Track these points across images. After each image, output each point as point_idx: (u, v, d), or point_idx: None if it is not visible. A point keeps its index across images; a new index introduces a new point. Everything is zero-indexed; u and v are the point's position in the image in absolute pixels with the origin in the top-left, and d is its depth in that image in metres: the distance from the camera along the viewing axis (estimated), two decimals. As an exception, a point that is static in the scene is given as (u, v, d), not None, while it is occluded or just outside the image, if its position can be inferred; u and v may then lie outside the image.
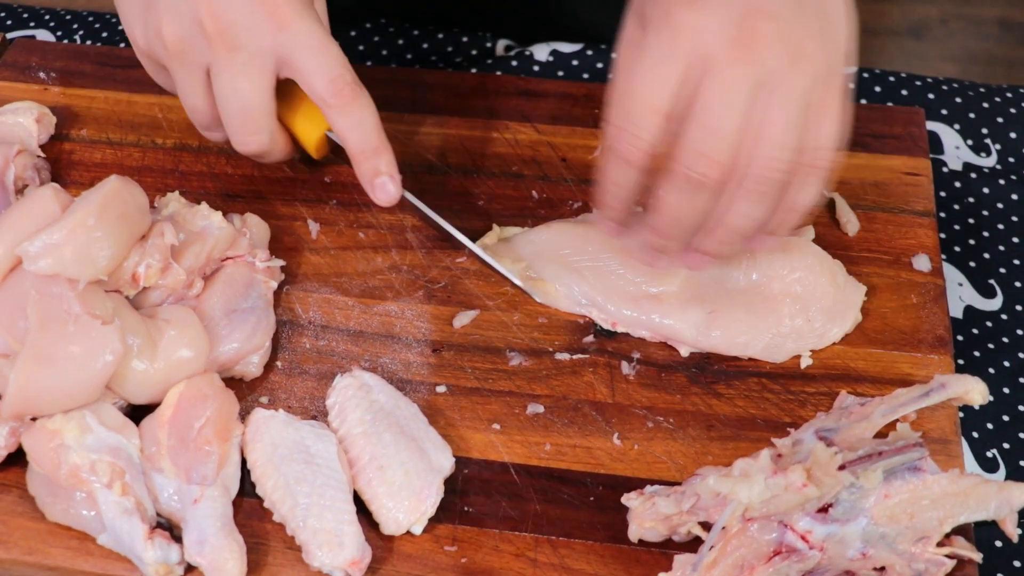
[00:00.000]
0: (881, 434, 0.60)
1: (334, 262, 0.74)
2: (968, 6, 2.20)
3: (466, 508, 0.63)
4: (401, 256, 0.74)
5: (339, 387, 0.66)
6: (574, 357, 0.69)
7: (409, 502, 0.61)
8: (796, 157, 0.59)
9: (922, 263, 0.72)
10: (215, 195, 0.78)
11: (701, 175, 0.58)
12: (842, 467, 0.56)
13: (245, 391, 0.68)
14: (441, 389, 0.68)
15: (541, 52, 0.92)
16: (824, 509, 0.57)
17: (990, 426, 0.72)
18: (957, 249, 0.80)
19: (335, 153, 0.74)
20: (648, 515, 0.59)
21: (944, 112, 0.87)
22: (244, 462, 0.64)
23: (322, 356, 0.70)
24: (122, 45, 0.93)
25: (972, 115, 0.87)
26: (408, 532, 0.62)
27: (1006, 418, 0.72)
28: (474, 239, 0.74)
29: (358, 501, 0.62)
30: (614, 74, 0.62)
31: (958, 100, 0.88)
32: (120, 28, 0.96)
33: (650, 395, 0.67)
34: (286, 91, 0.70)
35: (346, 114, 0.68)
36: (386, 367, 0.69)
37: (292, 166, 0.79)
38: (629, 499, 0.61)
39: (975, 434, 0.72)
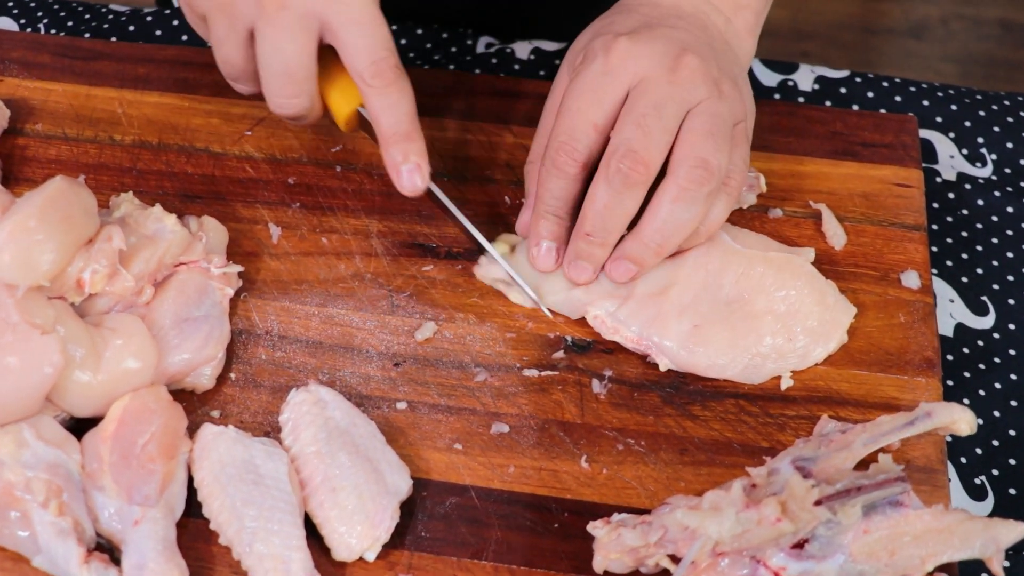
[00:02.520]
0: (863, 463, 0.57)
1: (295, 268, 0.71)
2: (969, 6, 2.16)
3: (423, 533, 0.60)
4: (365, 263, 0.71)
5: (293, 403, 0.63)
6: (543, 374, 0.66)
7: (362, 527, 0.58)
8: (724, 165, 0.63)
9: (911, 280, 0.69)
10: (173, 195, 0.74)
11: (630, 169, 0.62)
12: (819, 502, 0.52)
13: (196, 404, 0.65)
14: (401, 406, 0.65)
15: (522, 50, 0.88)
16: (799, 545, 0.53)
17: (979, 451, 0.69)
18: (949, 264, 0.77)
19: (363, 130, 0.70)
20: (614, 546, 0.56)
21: (939, 120, 0.84)
22: (192, 480, 0.61)
23: (278, 368, 0.66)
24: (86, 36, 0.90)
25: (968, 123, 0.83)
26: (361, 559, 0.58)
27: (996, 443, 0.69)
28: (444, 247, 0.71)
29: (309, 525, 0.59)
30: (550, 101, 0.69)
31: (953, 107, 0.84)
32: (87, 17, 0.92)
33: (621, 416, 0.64)
34: (324, 57, 0.67)
35: (383, 95, 0.66)
36: (345, 381, 0.66)
37: (254, 166, 0.76)
38: (595, 528, 0.57)
39: (963, 460, 0.68)
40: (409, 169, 0.67)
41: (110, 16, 0.91)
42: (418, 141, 0.67)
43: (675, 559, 0.55)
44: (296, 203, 0.74)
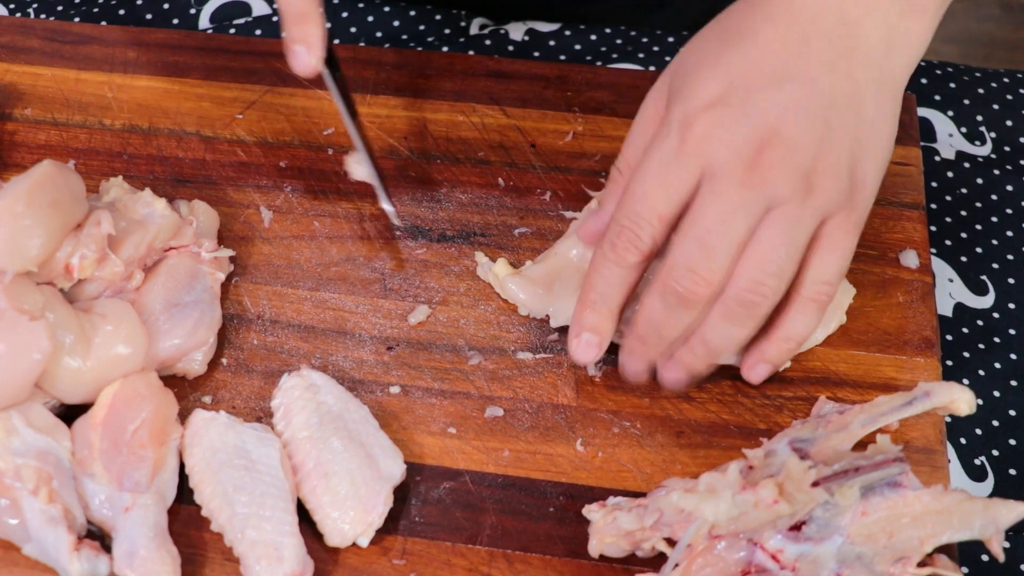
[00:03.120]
0: (861, 444, 0.56)
1: (287, 252, 0.70)
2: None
3: (417, 518, 0.59)
4: (357, 247, 0.70)
5: (285, 387, 0.62)
6: (537, 357, 0.65)
7: (355, 512, 0.57)
8: (782, 285, 0.57)
9: (910, 259, 0.68)
10: (164, 180, 0.74)
11: (687, 291, 0.57)
12: (816, 483, 0.52)
13: (188, 390, 0.64)
14: (395, 390, 0.64)
15: (517, 31, 0.87)
16: (797, 527, 0.53)
17: (979, 432, 0.68)
18: (948, 243, 0.76)
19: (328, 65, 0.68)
20: (609, 530, 0.55)
21: (937, 98, 0.83)
22: (184, 467, 0.60)
23: (270, 353, 0.66)
24: (76, 20, 0.89)
25: (967, 101, 0.83)
26: (354, 544, 0.58)
27: (996, 423, 0.68)
28: (438, 230, 0.70)
29: (302, 510, 0.58)
30: (625, 157, 0.62)
31: (952, 85, 0.83)
32: (76, 1, 0.91)
33: (617, 398, 0.63)
34: None
35: None
36: (337, 365, 0.65)
37: (245, 150, 0.75)
38: (590, 511, 0.57)
39: (963, 440, 0.68)
40: (298, 50, 0.66)
41: (100, 0, 0.91)
42: (313, 24, 0.65)
43: (671, 542, 0.54)
44: (288, 186, 0.73)
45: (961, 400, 0.55)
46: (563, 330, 0.66)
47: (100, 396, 0.60)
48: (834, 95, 0.57)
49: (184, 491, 0.60)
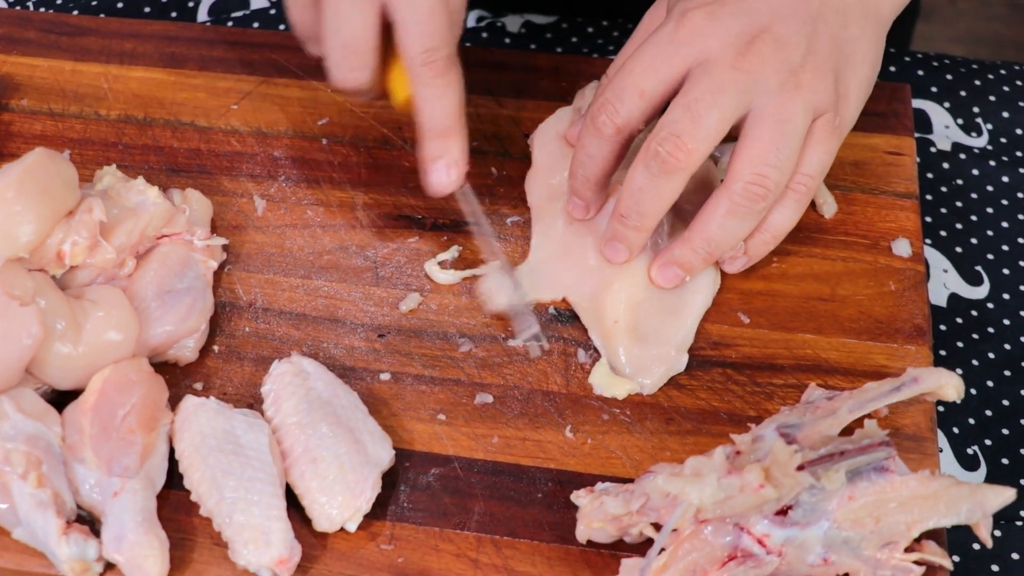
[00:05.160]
0: (848, 430, 0.56)
1: (279, 241, 0.70)
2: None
3: (405, 504, 0.59)
4: (350, 235, 0.70)
5: (275, 373, 0.62)
6: (528, 344, 0.65)
7: (343, 497, 0.57)
8: (784, 178, 0.60)
9: (902, 248, 0.68)
10: (159, 169, 0.74)
11: (669, 154, 0.59)
12: (801, 467, 0.51)
13: (179, 376, 0.65)
14: (385, 377, 0.64)
15: (513, 23, 0.88)
16: (783, 511, 0.53)
17: (971, 421, 0.68)
18: (943, 233, 0.75)
19: None
20: (597, 515, 0.55)
21: (934, 90, 0.83)
22: (174, 452, 0.60)
23: (262, 340, 0.66)
24: (75, 12, 0.89)
25: (963, 93, 0.82)
26: (342, 529, 0.58)
27: (989, 413, 0.68)
28: (430, 219, 0.70)
29: (291, 496, 0.58)
30: (616, 64, 0.66)
31: (949, 77, 0.83)
32: (75, -6, 0.92)
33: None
34: (387, 34, 0.64)
35: (429, 85, 0.62)
36: (328, 352, 0.65)
37: (240, 140, 0.75)
38: (578, 497, 0.57)
39: (955, 430, 0.67)
40: (439, 167, 0.63)
41: (99, -8, 0.91)
42: (457, 139, 0.63)
43: (658, 527, 0.54)
44: (282, 176, 0.73)
45: (949, 386, 0.55)
46: (553, 318, 0.66)
47: (91, 382, 0.61)
48: (822, 8, 0.61)
49: (174, 476, 0.60)
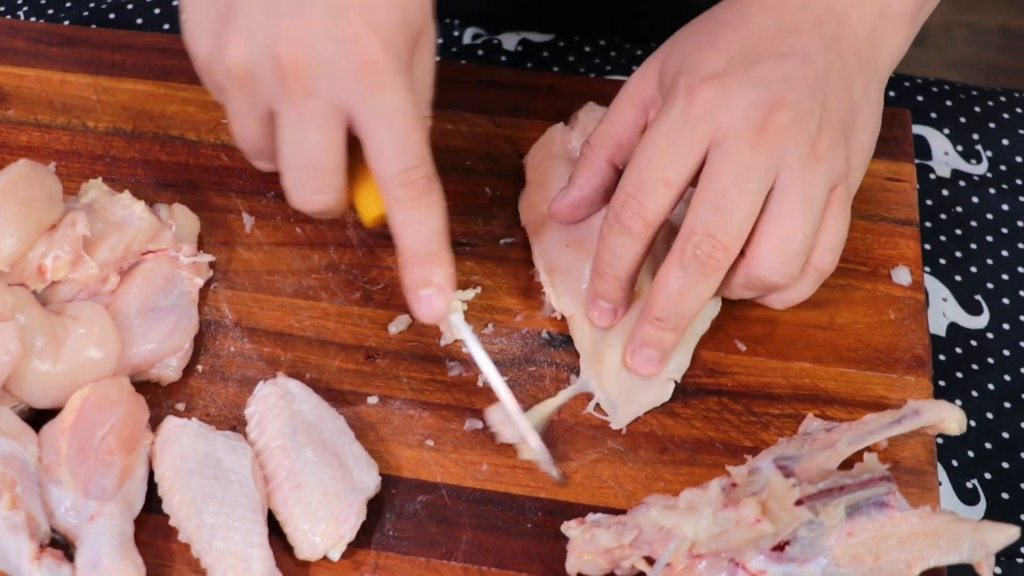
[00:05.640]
0: (848, 462, 0.55)
1: (268, 259, 0.69)
2: (970, 13, 2.14)
3: (391, 532, 0.58)
4: (340, 254, 0.69)
5: (260, 395, 0.60)
6: (519, 369, 0.63)
7: (326, 524, 0.56)
8: (803, 263, 0.59)
9: (902, 276, 0.67)
10: (146, 183, 0.72)
11: (707, 256, 0.57)
12: (800, 501, 0.50)
13: (161, 397, 0.63)
14: (372, 400, 0.62)
15: (509, 41, 0.86)
16: (780, 547, 0.51)
17: (971, 454, 0.66)
18: (942, 261, 0.74)
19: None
20: (588, 547, 0.54)
21: (933, 116, 0.82)
22: (153, 475, 0.59)
23: (247, 360, 0.64)
24: (66, 23, 0.88)
25: (963, 119, 0.81)
26: (325, 558, 0.56)
27: (988, 446, 0.67)
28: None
29: (273, 522, 0.57)
30: (598, 132, 0.63)
31: (949, 103, 0.82)
32: (67, 4, 0.90)
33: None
34: (353, 148, 0.57)
35: (408, 209, 0.56)
36: (315, 374, 0.64)
37: (229, 154, 0.74)
38: (568, 528, 0.55)
39: (954, 463, 0.66)
40: (428, 295, 0.57)
41: (91, 3, 0.90)
42: (443, 264, 0.57)
43: (651, 561, 0.53)
44: (271, 192, 0.72)
45: (951, 419, 0.54)
46: (546, 343, 0.65)
47: (70, 400, 0.59)
48: (828, 72, 0.58)
49: (153, 500, 0.58)
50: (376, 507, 0.58)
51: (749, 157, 0.56)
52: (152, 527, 0.58)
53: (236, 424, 0.61)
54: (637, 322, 0.60)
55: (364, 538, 0.57)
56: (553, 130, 0.72)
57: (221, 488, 0.56)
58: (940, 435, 0.65)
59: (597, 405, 0.62)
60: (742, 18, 0.60)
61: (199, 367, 0.64)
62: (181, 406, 0.62)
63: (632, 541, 0.52)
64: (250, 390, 0.62)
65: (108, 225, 0.64)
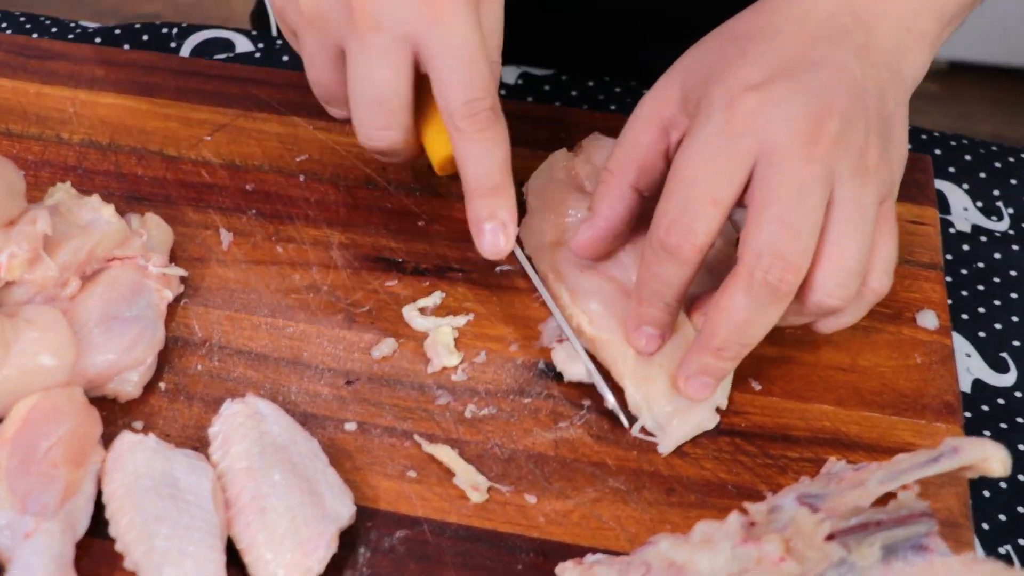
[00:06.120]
0: (879, 503, 0.49)
1: (244, 277, 0.63)
2: (962, 121, 2.15)
3: (365, 569, 0.51)
4: (323, 275, 0.64)
5: (226, 414, 0.55)
6: (513, 400, 0.58)
7: (292, 555, 0.49)
8: (860, 284, 0.54)
9: (928, 320, 0.62)
10: (120, 196, 0.68)
11: (780, 280, 0.52)
12: (832, 536, 0.44)
13: (118, 414, 0.57)
14: (350, 427, 0.57)
15: (510, 74, 0.83)
16: (805, 591, 0.45)
17: (1002, 518, 0.61)
18: (965, 317, 0.70)
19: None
20: (586, 589, 0.47)
21: (952, 170, 0.78)
22: (101, 497, 0.52)
23: (215, 380, 0.59)
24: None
25: (983, 175, 0.78)
26: (289, 593, 0.50)
27: (1021, 509, 0.61)
28: (411, 263, 0.64)
29: (233, 551, 0.50)
30: (616, 157, 0.58)
31: (967, 158, 0.79)
32: (53, 31, 0.87)
33: (600, 449, 0.56)
34: (425, 90, 0.58)
35: (472, 140, 0.55)
36: (289, 397, 0.58)
37: (210, 171, 0.69)
38: (564, 570, 0.49)
39: (985, 526, 0.60)
40: (493, 228, 0.56)
41: (77, 30, 0.86)
42: (507, 197, 0.56)
43: (658, 607, 0.47)
44: (252, 210, 0.67)
45: (995, 458, 0.48)
46: (542, 374, 0.59)
47: (15, 409, 0.53)
48: (865, 81, 0.55)
49: (99, 524, 0.52)
50: (349, 540, 0.52)
51: (806, 170, 0.52)
52: (97, 553, 0.51)
53: (198, 446, 0.55)
54: (693, 349, 0.55)
55: (334, 573, 0.50)
56: (556, 156, 0.68)
57: (176, 509, 0.50)
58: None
59: (643, 428, 0.56)
60: (770, 28, 0.56)
61: (161, 385, 0.58)
62: (138, 424, 0.57)
63: (638, 580, 0.46)
64: (215, 411, 0.56)
65: (73, 227, 0.59)
